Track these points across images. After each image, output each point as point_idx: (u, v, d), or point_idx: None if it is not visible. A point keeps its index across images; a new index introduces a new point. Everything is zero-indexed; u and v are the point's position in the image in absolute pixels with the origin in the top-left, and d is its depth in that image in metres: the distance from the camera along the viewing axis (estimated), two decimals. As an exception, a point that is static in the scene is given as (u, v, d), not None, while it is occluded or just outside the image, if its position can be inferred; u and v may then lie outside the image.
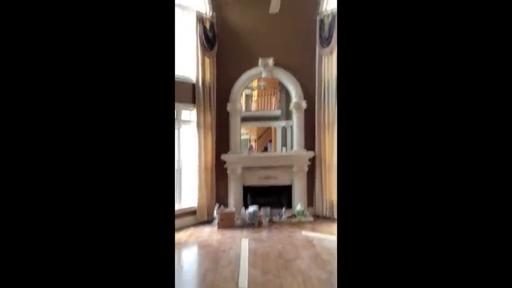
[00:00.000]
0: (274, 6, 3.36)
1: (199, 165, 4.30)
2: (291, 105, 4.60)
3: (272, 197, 4.59)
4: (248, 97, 5.11)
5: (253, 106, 5.18)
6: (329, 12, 4.33)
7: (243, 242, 3.45)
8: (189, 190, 4.39)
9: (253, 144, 5.03)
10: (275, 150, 4.84)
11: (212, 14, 4.42)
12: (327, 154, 4.42)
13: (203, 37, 4.29)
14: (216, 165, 4.48)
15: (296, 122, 4.58)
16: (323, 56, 4.42)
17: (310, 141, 4.56)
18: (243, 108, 4.78)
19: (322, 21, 4.39)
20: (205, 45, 4.32)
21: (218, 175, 4.51)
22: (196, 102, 4.30)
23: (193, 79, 4.32)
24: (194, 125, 4.33)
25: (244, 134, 4.89)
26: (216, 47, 4.44)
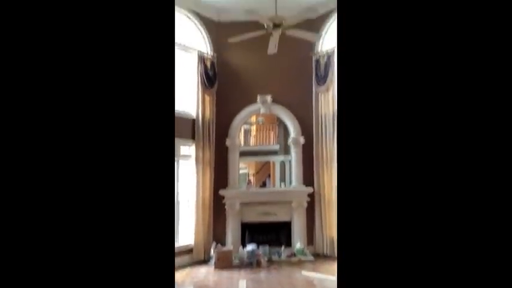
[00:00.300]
0: (272, 48, 3.53)
1: (197, 202, 4.24)
2: (289, 140, 4.65)
3: (271, 234, 4.48)
4: (247, 132, 5.19)
5: (252, 141, 5.24)
6: (324, 52, 4.54)
7: (241, 284, 3.31)
8: (185, 227, 4.29)
9: (251, 178, 5.01)
10: (274, 185, 4.82)
11: (213, 54, 4.62)
12: (326, 190, 4.39)
13: (204, 75, 4.44)
14: (213, 201, 4.42)
15: (294, 157, 4.60)
16: (319, 94, 4.56)
17: (309, 177, 4.55)
18: (242, 143, 4.83)
19: (318, 61, 4.58)
20: (206, 83, 4.46)
21: (216, 211, 4.43)
22: (196, 137, 4.34)
23: (194, 115, 4.41)
24: (192, 160, 4.34)
25: (242, 168, 4.89)
26: (216, 85, 4.59)
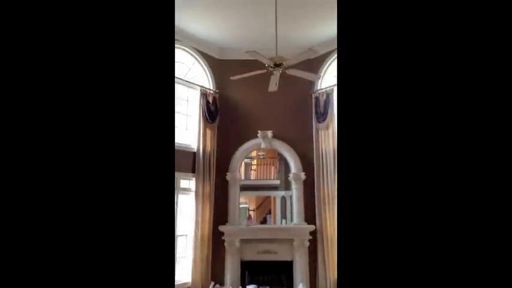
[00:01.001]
0: (273, 86, 3.63)
1: (195, 237, 4.10)
2: (290, 176, 4.61)
3: (272, 274, 4.27)
4: (247, 166, 5.16)
5: (253, 175, 5.19)
6: (323, 90, 4.67)
7: (239, 331, 3.08)
8: (183, 264, 4.10)
9: (251, 214, 4.88)
10: (274, 221, 4.69)
11: (215, 90, 4.75)
12: (328, 228, 4.26)
13: (206, 110, 4.53)
14: (213, 237, 4.28)
15: (295, 193, 4.53)
16: (319, 131, 4.61)
17: (310, 214, 4.44)
18: (242, 176, 4.79)
19: (317, 98, 4.69)
20: (208, 117, 4.53)
21: (214, 248, 4.27)
22: (196, 171, 4.31)
23: (195, 148, 4.42)
24: (192, 194, 4.27)
25: (243, 203, 4.79)
26: (217, 120, 4.65)
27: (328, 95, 4.58)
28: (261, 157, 5.06)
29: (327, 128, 4.52)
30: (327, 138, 4.52)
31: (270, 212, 4.86)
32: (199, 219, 4.17)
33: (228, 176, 4.54)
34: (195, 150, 4.41)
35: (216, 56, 4.90)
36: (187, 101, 4.64)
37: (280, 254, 4.31)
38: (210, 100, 4.63)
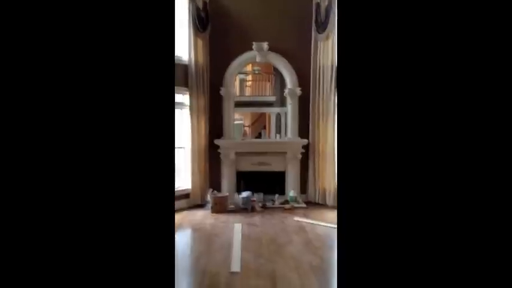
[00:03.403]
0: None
1: (193, 149, 4.25)
2: (286, 92, 4.54)
3: (265, 182, 4.59)
4: (242, 82, 5.03)
5: (247, 91, 5.10)
6: (326, -5, 4.22)
7: (236, 227, 3.46)
8: (181, 172, 4.36)
9: (246, 130, 4.98)
10: (269, 137, 4.81)
11: (206, -6, 4.26)
12: (320, 142, 4.42)
13: (195, 17, 4.15)
14: (209, 150, 4.44)
15: (290, 109, 4.53)
16: (318, 42, 4.34)
17: (304, 129, 4.53)
18: (237, 92, 4.70)
19: (318, 5, 4.28)
20: (198, 25, 4.18)
21: (211, 159, 4.48)
22: (189, 85, 4.20)
23: (186, 60, 4.21)
24: (186, 108, 4.25)
25: (238, 119, 4.83)
26: (209, 29, 4.31)
27: (331, 1, 4.16)
28: (256, 72, 4.88)
29: (327, 38, 4.25)
30: (326, 51, 4.29)
31: (264, 128, 4.95)
32: (195, 133, 4.25)
33: (222, 91, 4.45)
34: (187, 62, 4.20)
35: (205, -49, 4.24)
36: (175, 7, 4.20)
37: (274, 165, 4.57)
38: (200, 6, 4.20)
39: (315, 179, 4.49)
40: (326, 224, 3.62)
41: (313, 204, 4.46)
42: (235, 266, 2.46)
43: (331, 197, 4.37)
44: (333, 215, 4.03)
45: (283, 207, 4.25)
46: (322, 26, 4.25)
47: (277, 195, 4.45)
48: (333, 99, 4.27)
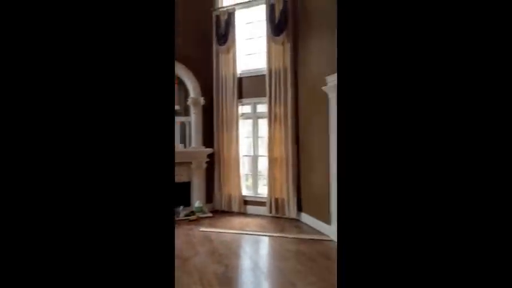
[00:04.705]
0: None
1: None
2: (189, 101, 4.49)
3: (169, 195, 4.38)
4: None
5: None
6: (225, 9, 4.39)
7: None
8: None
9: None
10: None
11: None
12: (225, 150, 4.51)
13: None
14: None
15: (194, 118, 4.50)
16: (220, 54, 4.46)
17: (209, 138, 4.56)
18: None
19: (218, 17, 4.41)
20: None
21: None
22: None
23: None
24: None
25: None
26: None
27: (230, 14, 4.35)
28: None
29: (228, 51, 4.41)
30: (227, 62, 4.45)
31: (167, 138, 4.75)
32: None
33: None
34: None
35: None
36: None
37: (179, 176, 4.42)
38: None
39: (220, 187, 4.55)
40: (232, 230, 3.69)
41: (220, 213, 4.50)
42: None
43: (236, 204, 4.49)
44: (238, 220, 4.15)
45: (188, 219, 4.14)
46: (223, 38, 4.39)
47: (181, 207, 4.31)
48: (236, 108, 4.44)
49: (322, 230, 3.58)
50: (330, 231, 3.39)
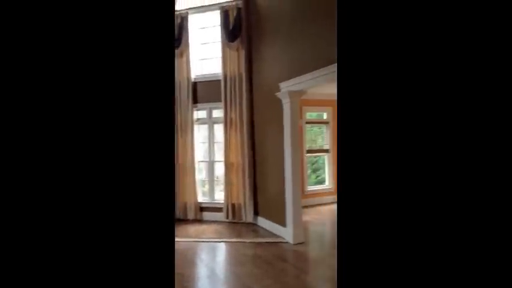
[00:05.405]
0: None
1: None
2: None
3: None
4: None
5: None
6: (178, 12, 4.32)
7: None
8: None
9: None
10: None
11: None
12: (180, 156, 4.39)
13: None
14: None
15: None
16: (174, 58, 4.36)
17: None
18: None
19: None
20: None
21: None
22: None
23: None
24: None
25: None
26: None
27: (183, 18, 4.28)
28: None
29: (181, 55, 4.33)
30: (181, 66, 4.36)
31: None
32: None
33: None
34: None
35: None
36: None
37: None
38: None
39: (177, 195, 4.40)
40: (187, 239, 3.59)
41: (176, 221, 4.35)
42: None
43: (192, 211, 4.38)
44: (194, 228, 4.05)
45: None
46: (175, 42, 4.30)
47: (134, 217, 4.08)
48: (191, 113, 4.36)
49: (278, 233, 3.65)
50: (286, 233, 3.47)
